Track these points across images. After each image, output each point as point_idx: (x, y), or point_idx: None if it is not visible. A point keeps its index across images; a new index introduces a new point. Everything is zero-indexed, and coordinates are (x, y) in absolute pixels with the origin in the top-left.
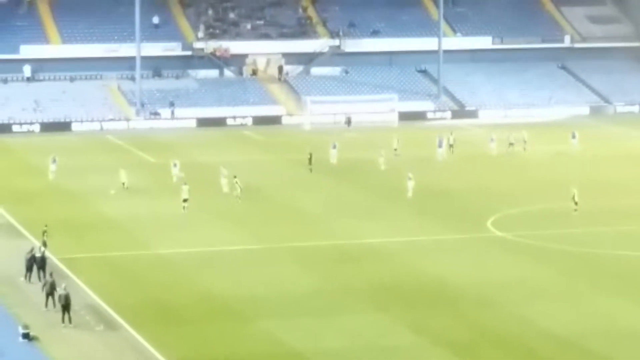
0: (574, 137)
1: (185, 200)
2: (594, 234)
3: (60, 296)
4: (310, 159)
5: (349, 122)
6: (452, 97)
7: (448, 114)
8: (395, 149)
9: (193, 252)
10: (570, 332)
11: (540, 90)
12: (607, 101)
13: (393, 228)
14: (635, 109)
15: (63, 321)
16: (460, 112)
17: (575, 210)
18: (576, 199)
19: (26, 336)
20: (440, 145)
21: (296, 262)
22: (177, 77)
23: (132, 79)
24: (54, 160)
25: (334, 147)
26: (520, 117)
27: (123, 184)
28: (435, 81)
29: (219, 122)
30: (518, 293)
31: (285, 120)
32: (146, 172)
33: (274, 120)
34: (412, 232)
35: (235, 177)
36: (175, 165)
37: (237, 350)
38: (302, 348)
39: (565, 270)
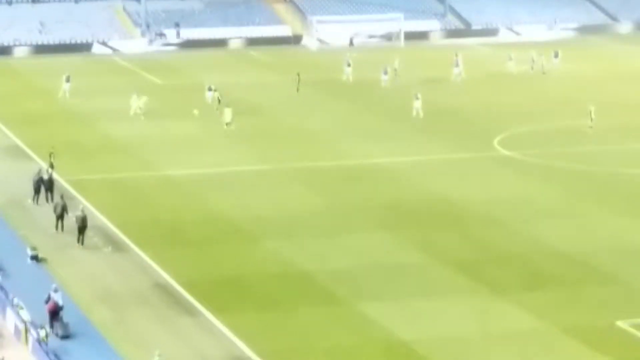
0: (556, 56)
1: (227, 124)
2: (602, 152)
3: (77, 217)
4: (298, 81)
5: (351, 42)
6: (459, 16)
7: (455, 33)
8: (396, 69)
9: (201, 174)
10: (577, 250)
11: (547, 9)
12: (613, 19)
13: (399, 148)
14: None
15: (78, 241)
16: (467, 30)
17: (591, 127)
18: (592, 116)
19: (35, 258)
20: (456, 65)
21: (303, 183)
22: None
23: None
24: (68, 80)
25: (348, 65)
26: (528, 35)
27: (140, 107)
28: (441, 0)
29: (225, 42)
30: (524, 212)
31: (292, 40)
32: (153, 94)
33: (281, 40)
34: (418, 152)
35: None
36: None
37: (244, 271)
38: (309, 268)
39: (572, 189)
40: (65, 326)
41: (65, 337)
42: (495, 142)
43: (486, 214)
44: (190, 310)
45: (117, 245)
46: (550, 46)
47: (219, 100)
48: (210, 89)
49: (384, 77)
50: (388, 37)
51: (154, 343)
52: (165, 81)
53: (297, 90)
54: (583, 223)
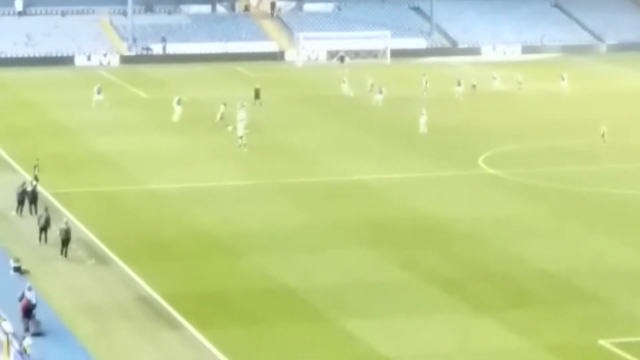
0: (563, 78)
1: (241, 137)
2: (587, 172)
3: (61, 230)
4: (257, 93)
5: (342, 59)
6: (445, 35)
7: (440, 51)
8: (372, 84)
9: (185, 188)
10: (560, 269)
11: (533, 29)
12: (599, 39)
13: (384, 165)
14: (626, 47)
15: (62, 253)
16: (453, 49)
17: (603, 146)
18: (605, 136)
19: (17, 270)
20: (459, 84)
21: (288, 198)
22: (169, 13)
23: (124, 13)
24: (99, 91)
25: (344, 81)
26: (514, 55)
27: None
28: (428, 18)
29: (211, 57)
30: (509, 231)
31: (278, 56)
32: (138, 107)
33: (267, 56)
34: (404, 169)
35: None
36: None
37: (227, 286)
38: (293, 284)
39: (556, 208)
40: (37, 324)
41: (38, 334)
42: (479, 160)
43: (470, 232)
44: (173, 324)
45: (100, 258)
46: (535, 66)
47: (221, 117)
48: (179, 103)
49: (379, 97)
50: (374, 54)
51: (136, 356)
52: (151, 95)
53: (260, 104)
54: (567, 242)
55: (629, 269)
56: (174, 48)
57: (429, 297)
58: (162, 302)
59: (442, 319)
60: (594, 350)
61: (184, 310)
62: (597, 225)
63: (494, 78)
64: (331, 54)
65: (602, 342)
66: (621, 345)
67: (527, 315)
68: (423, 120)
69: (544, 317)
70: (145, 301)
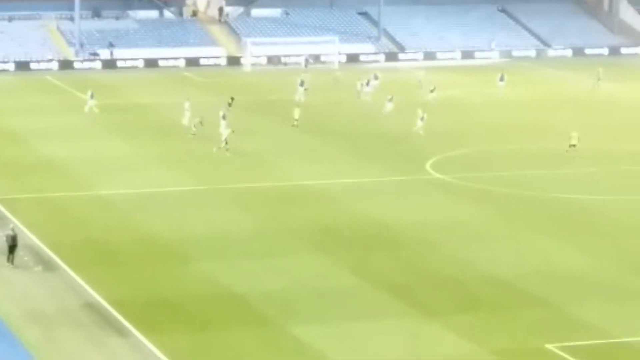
0: (502, 79)
1: (226, 142)
2: (531, 176)
3: (7, 236)
4: (230, 103)
5: (306, 63)
6: (393, 40)
7: (386, 56)
8: (306, 88)
9: (133, 194)
10: (508, 274)
11: (480, 33)
12: (546, 44)
13: (333, 170)
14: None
15: (8, 260)
16: (401, 54)
17: (567, 152)
18: (574, 142)
19: None
20: (366, 84)
21: (237, 204)
22: (116, 18)
23: (71, 19)
24: (92, 96)
25: (302, 84)
26: (461, 60)
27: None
28: (375, 23)
29: (159, 63)
30: (457, 235)
31: (225, 61)
32: (86, 113)
33: (214, 61)
34: (352, 174)
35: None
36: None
37: (176, 291)
38: (241, 290)
39: (503, 213)
40: None
41: None
42: (427, 165)
43: (419, 236)
44: (121, 331)
45: (47, 265)
46: (483, 70)
47: (201, 123)
48: (91, 96)
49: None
50: (322, 59)
51: None
52: (98, 101)
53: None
54: (514, 246)
55: (576, 272)
56: (121, 53)
57: (378, 302)
58: (110, 309)
59: (391, 324)
60: (541, 354)
61: (131, 317)
62: (544, 229)
63: (419, 81)
64: (271, 60)
65: (549, 346)
66: (568, 349)
67: (476, 319)
68: (420, 124)
69: (492, 322)
70: (92, 308)
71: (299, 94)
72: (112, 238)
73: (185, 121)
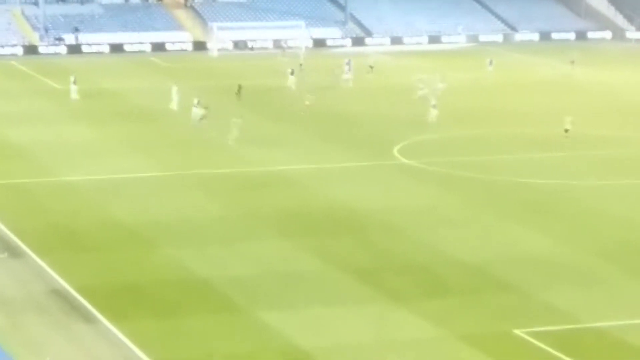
0: (490, 64)
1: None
2: (501, 161)
3: None
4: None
5: (282, 48)
6: (359, 24)
7: (353, 41)
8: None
9: (99, 179)
10: (476, 258)
11: (447, 18)
12: (513, 29)
13: (300, 155)
14: (540, 36)
15: None
16: (368, 38)
17: (566, 135)
18: (568, 126)
19: None
20: (347, 72)
21: (202, 189)
22: (81, 3)
23: (36, 3)
24: (74, 82)
25: (292, 73)
26: (428, 44)
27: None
28: (342, 8)
29: (124, 47)
30: (425, 220)
31: (192, 46)
32: (50, 98)
33: (181, 46)
34: (319, 160)
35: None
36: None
37: (142, 277)
38: (208, 275)
39: (471, 198)
40: None
41: None
42: (395, 150)
43: (386, 222)
44: (87, 317)
45: (13, 251)
46: (448, 55)
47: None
48: (74, 82)
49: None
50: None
51: (50, 350)
52: (64, 86)
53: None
54: (481, 231)
55: (544, 257)
56: (86, 38)
57: (345, 287)
58: (76, 295)
59: (357, 309)
60: (508, 339)
61: (98, 303)
62: (511, 214)
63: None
64: (238, 45)
65: (516, 331)
66: (535, 335)
67: (443, 304)
68: (434, 112)
69: (460, 307)
70: (58, 294)
71: (291, 82)
72: (78, 224)
73: (174, 106)
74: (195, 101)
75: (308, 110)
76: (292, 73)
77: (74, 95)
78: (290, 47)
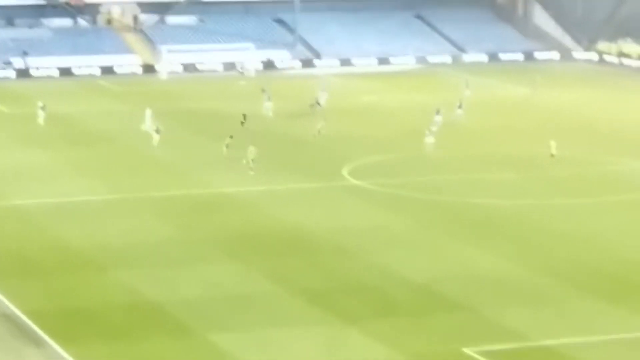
0: (467, 86)
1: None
2: (449, 181)
3: None
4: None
5: (241, 71)
6: (308, 46)
7: (302, 63)
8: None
9: (48, 203)
10: (425, 278)
11: (396, 39)
12: (461, 50)
13: (248, 177)
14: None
15: None
16: (316, 60)
17: (552, 158)
18: (553, 151)
19: None
20: (268, 99)
21: (152, 212)
22: (30, 26)
23: None
24: (43, 107)
25: (269, 99)
26: (377, 66)
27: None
28: (291, 30)
29: (73, 71)
30: (374, 241)
31: (141, 69)
32: (40, 124)
33: (130, 69)
34: (268, 181)
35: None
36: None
37: (92, 301)
38: (158, 298)
39: (420, 218)
40: None
41: None
42: (344, 171)
43: (336, 243)
44: (36, 341)
45: None
46: (399, 76)
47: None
48: (43, 108)
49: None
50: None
51: None
52: (12, 109)
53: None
54: (431, 252)
55: (493, 276)
56: (35, 62)
57: (296, 308)
58: (26, 319)
59: (308, 331)
60: (458, 359)
61: (48, 327)
62: (461, 234)
63: (322, 90)
64: (187, 68)
65: (466, 350)
66: (486, 353)
67: (393, 324)
68: (430, 140)
69: (409, 327)
70: (8, 319)
71: (266, 108)
72: (27, 248)
73: (145, 127)
74: (155, 127)
75: (319, 135)
76: (269, 99)
77: (41, 120)
78: (248, 70)
